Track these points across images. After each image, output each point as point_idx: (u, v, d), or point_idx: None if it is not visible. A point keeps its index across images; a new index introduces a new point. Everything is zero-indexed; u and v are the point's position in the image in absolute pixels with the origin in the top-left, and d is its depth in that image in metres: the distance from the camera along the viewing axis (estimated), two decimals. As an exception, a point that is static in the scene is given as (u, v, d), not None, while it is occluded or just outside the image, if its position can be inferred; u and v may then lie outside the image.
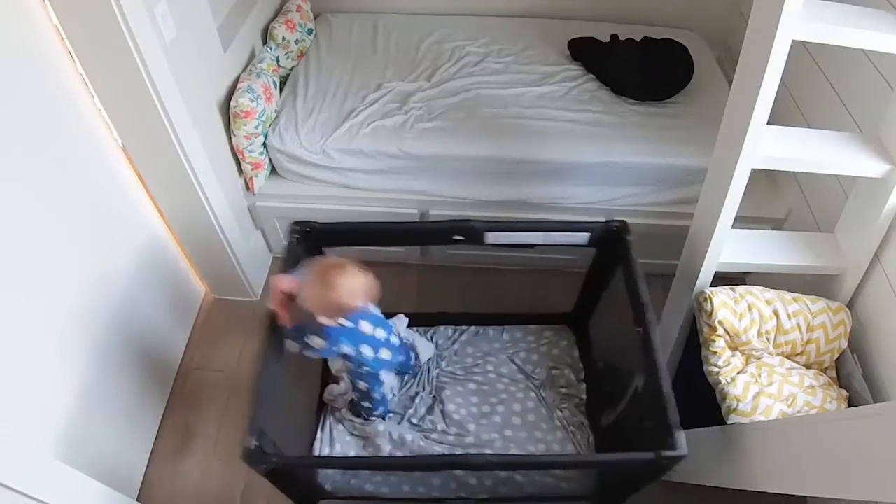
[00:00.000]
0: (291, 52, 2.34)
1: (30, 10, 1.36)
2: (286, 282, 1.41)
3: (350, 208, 2.17)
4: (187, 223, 1.94)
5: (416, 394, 1.78)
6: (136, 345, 1.84)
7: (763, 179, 2.13)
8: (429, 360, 1.84)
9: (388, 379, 1.64)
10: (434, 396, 1.77)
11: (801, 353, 1.53)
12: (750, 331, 1.48)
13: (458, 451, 1.64)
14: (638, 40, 2.38)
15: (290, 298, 1.42)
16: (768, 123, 1.29)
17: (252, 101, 1.93)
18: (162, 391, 2.02)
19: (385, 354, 1.54)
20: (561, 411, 1.74)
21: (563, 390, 1.79)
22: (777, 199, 2.11)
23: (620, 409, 1.56)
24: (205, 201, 1.85)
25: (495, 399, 1.76)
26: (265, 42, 2.30)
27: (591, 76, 2.34)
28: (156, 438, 1.94)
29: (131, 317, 1.81)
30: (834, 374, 1.54)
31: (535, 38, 2.53)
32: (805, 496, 1.65)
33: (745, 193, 1.41)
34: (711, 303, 1.47)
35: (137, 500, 1.80)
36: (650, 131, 2.09)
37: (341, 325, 1.40)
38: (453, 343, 1.92)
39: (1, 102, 1.28)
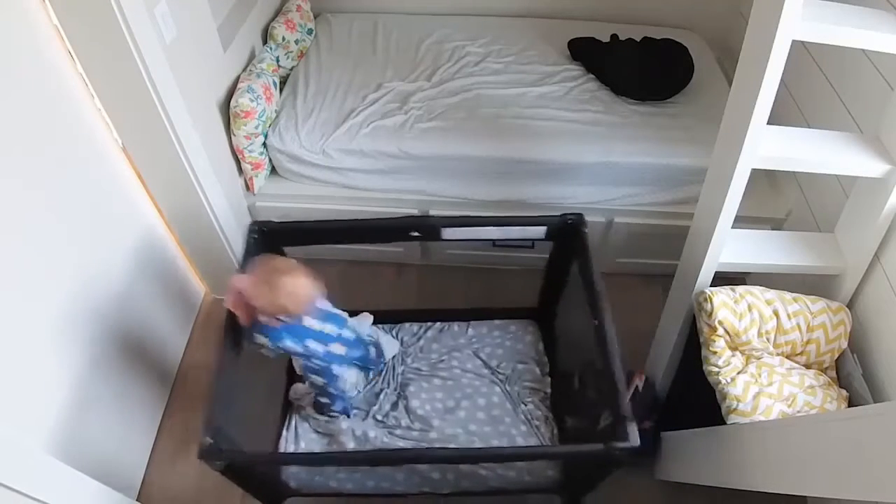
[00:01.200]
0: (291, 52, 2.34)
1: (30, 10, 1.36)
2: (242, 281, 1.43)
3: (350, 208, 2.17)
4: (187, 223, 1.94)
5: (381, 390, 1.77)
6: (136, 345, 1.84)
7: (763, 179, 2.13)
8: (394, 356, 1.84)
9: (347, 374, 1.63)
10: (399, 393, 1.77)
11: (801, 353, 1.53)
12: (750, 331, 1.48)
13: (422, 447, 1.63)
14: (638, 40, 2.38)
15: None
16: (768, 123, 1.29)
17: (252, 101, 1.93)
18: (162, 391, 2.02)
19: (337, 349, 1.53)
20: (525, 405, 1.74)
21: (528, 384, 1.78)
22: (777, 199, 2.10)
23: (582, 401, 1.56)
24: (205, 201, 1.85)
25: (460, 394, 1.75)
26: (265, 42, 2.30)
27: (591, 76, 2.34)
28: (156, 438, 1.94)
29: (131, 317, 1.81)
30: (834, 374, 1.54)
31: (535, 38, 2.53)
32: (805, 496, 1.64)
33: (745, 193, 1.41)
34: (711, 303, 1.47)
35: (137, 500, 1.80)
36: (650, 131, 2.09)
37: (283, 322, 1.41)
38: (418, 339, 1.90)
39: (1, 102, 1.28)
